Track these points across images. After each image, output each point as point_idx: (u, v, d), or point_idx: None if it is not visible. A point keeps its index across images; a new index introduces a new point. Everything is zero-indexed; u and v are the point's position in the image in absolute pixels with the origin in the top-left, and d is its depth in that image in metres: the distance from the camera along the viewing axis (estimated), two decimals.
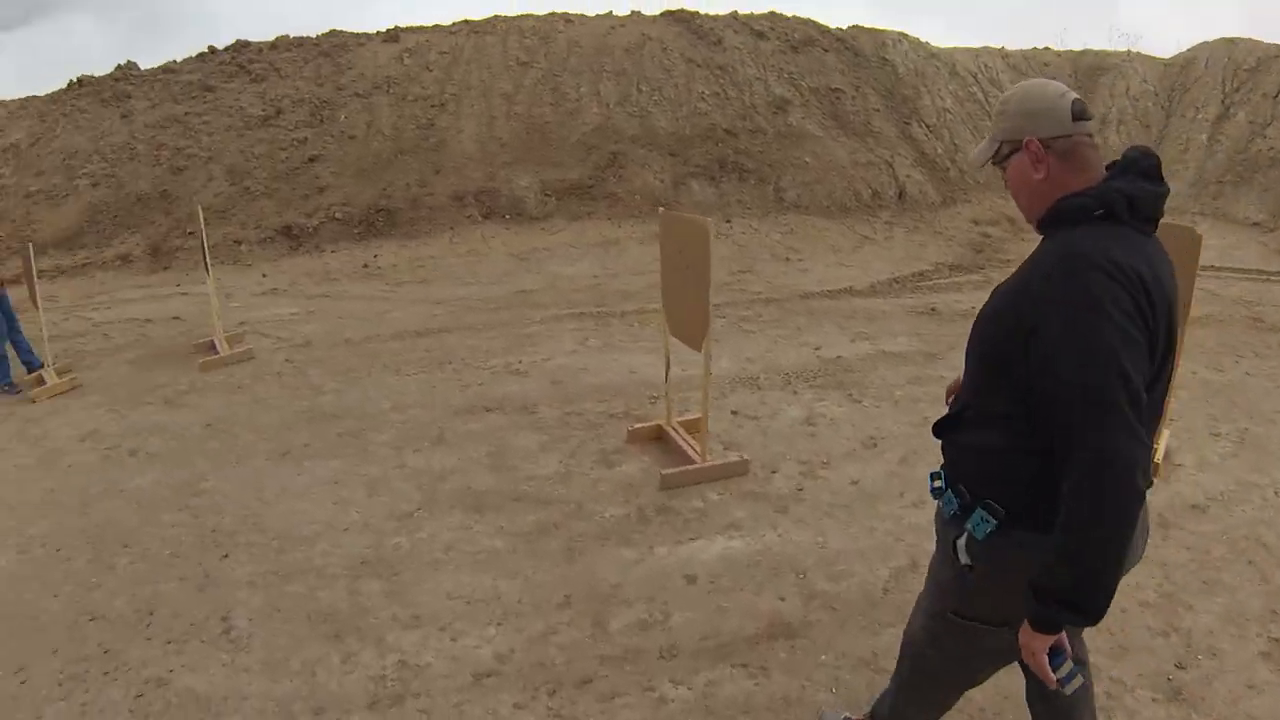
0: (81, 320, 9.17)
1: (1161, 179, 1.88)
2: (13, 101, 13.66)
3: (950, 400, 2.19)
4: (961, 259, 11.48)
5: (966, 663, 2.24)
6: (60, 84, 13.61)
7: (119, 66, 13.32)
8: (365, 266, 9.89)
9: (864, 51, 15.41)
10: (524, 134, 11.98)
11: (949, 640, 2.18)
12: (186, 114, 12.50)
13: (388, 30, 13.35)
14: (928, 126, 14.62)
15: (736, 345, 7.02)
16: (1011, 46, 17.84)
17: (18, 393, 7.15)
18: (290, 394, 6.36)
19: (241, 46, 13.14)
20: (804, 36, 14.96)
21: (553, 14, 13.98)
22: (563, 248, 10.23)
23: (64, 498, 4.74)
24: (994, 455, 1.92)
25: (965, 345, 2.02)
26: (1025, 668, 2.06)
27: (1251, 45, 16.30)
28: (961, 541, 1.97)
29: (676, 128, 12.69)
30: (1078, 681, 1.80)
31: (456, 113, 12.11)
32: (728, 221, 11.55)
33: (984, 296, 2.01)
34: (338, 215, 10.74)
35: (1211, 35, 16.83)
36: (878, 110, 14.38)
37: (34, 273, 7.21)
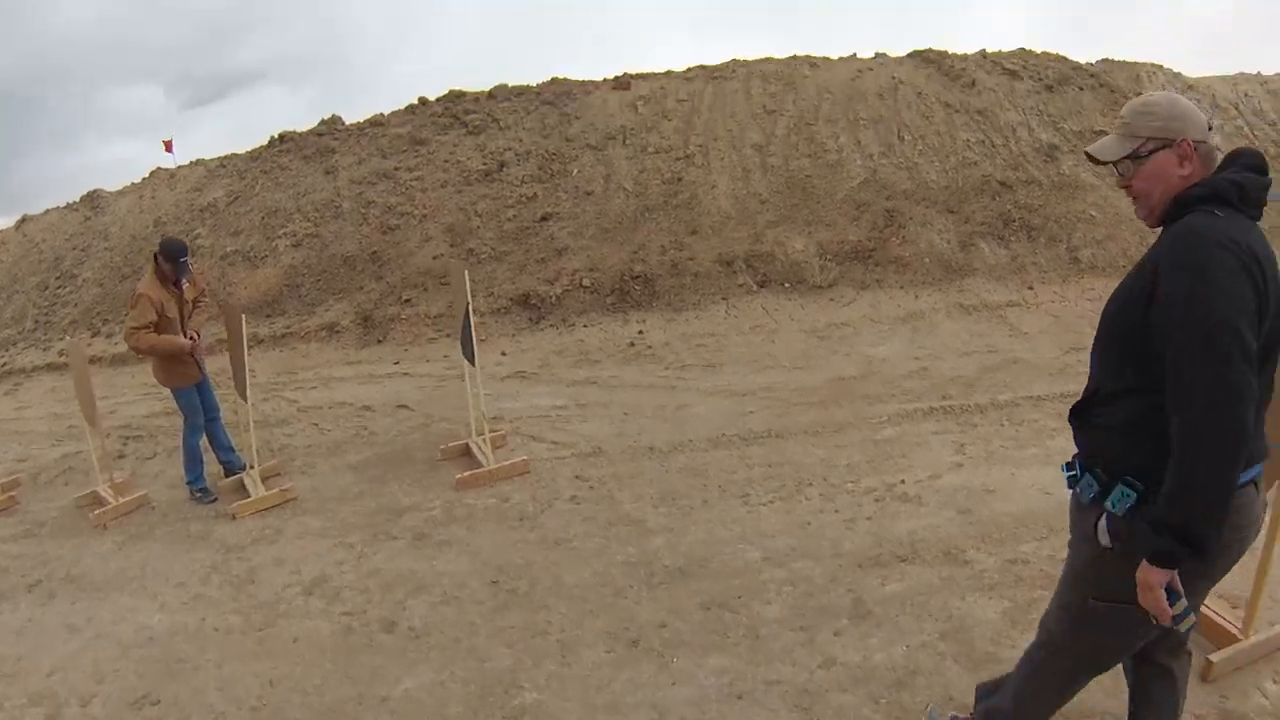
0: (284, 403, 7.84)
1: (1266, 171, 2.11)
2: (212, 160, 12.80)
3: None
4: None
5: (1100, 646, 2.30)
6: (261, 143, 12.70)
7: (323, 121, 12.32)
8: (631, 345, 8.33)
9: (1120, 87, 13.53)
10: (784, 189, 10.41)
11: (1086, 626, 2.26)
12: (396, 169, 11.34)
13: (617, 78, 12.02)
14: None
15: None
16: (1268, 72, 15.74)
17: (213, 500, 5.71)
18: (602, 532, 4.81)
19: (456, 97, 11.97)
20: (1058, 75, 13.16)
21: (795, 57, 12.49)
22: (863, 322, 8.53)
23: (292, 701, 3.31)
24: (1126, 430, 2.05)
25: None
26: (1135, 628, 2.13)
27: None
28: (1102, 522, 2.08)
29: (949, 180, 10.96)
30: (1190, 620, 1.96)
31: (705, 166, 10.63)
32: (1030, 288, 9.71)
33: None
34: (585, 282, 9.28)
35: None
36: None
37: (245, 346, 5.69)
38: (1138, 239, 11.07)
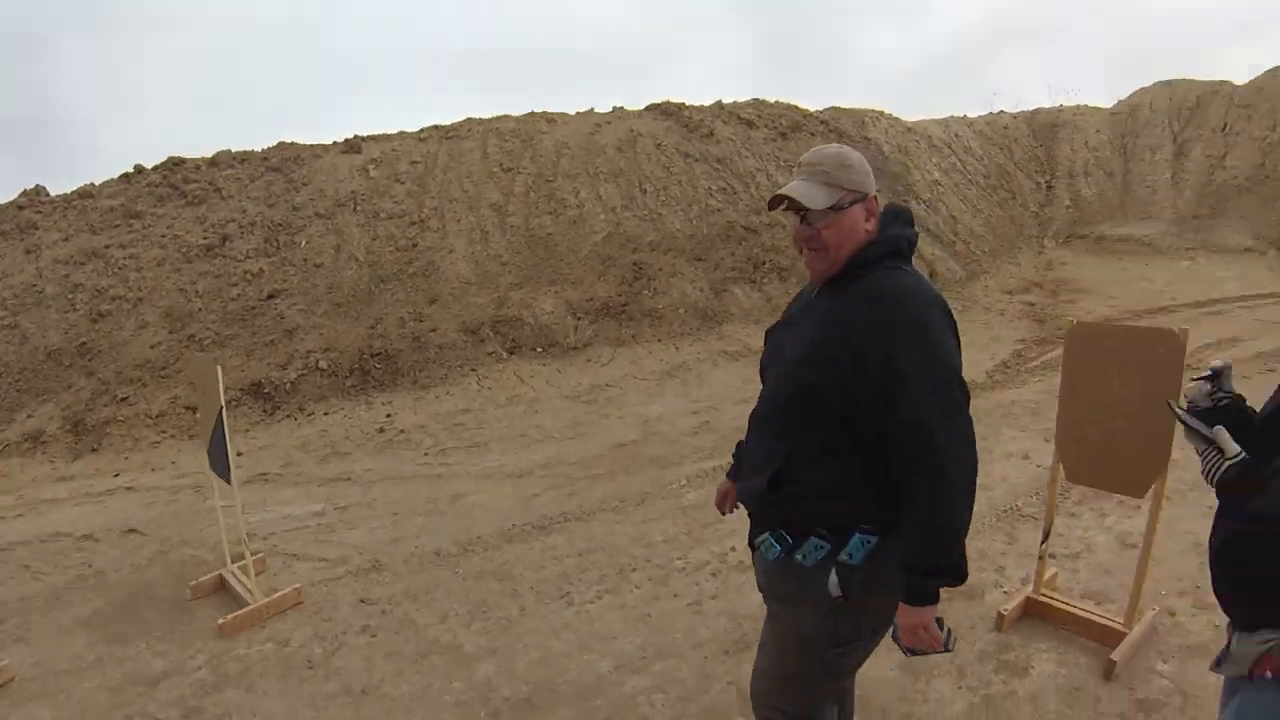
0: None
1: (914, 224, 2.28)
2: None
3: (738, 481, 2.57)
4: (1031, 332, 10.36)
5: (839, 686, 2.45)
6: None
7: (24, 192, 10.97)
8: (381, 431, 7.74)
9: (847, 132, 14.49)
10: (526, 249, 10.23)
11: (825, 678, 2.33)
12: (108, 246, 10.24)
13: (347, 140, 11.46)
14: (924, 201, 13.67)
15: None
16: (973, 114, 17.36)
17: None
18: (413, 668, 4.06)
19: (174, 164, 10.98)
20: (790, 122, 13.90)
21: (532, 114, 12.40)
22: (627, 381, 8.38)
23: None
24: (840, 489, 2.11)
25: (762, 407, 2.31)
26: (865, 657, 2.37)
27: (1188, 85, 16.80)
28: (832, 578, 2.14)
29: (694, 229, 11.18)
30: (953, 638, 2.12)
31: (441, 230, 10.27)
32: None
33: None
34: (321, 364, 8.66)
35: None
36: (878, 191, 13.30)
37: None
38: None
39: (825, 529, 2.14)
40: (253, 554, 5.07)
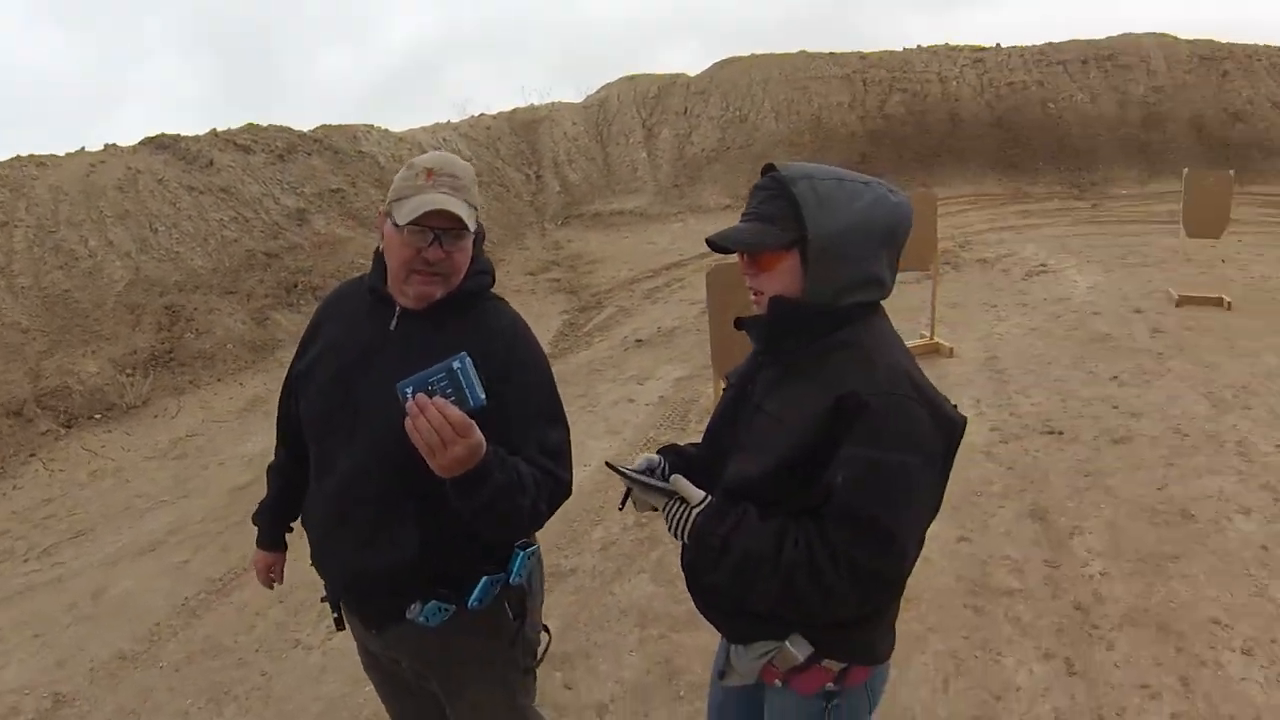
0: None
1: None
2: None
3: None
4: (570, 303, 12.46)
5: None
6: None
7: None
8: None
9: (342, 148, 15.47)
10: (45, 311, 9.88)
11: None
12: None
13: None
14: None
15: None
16: (455, 119, 19.30)
17: None
18: None
19: None
20: (286, 144, 14.53)
21: (19, 157, 11.55)
22: (207, 427, 8.63)
23: None
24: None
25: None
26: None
27: (648, 78, 20.89)
28: (506, 606, 2.16)
29: (216, 262, 11.56)
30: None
31: None
32: None
33: None
34: None
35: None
36: (383, 199, 14.62)
37: None
38: None
39: (485, 560, 2.09)
40: None
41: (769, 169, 1.86)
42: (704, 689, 2.57)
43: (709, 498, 1.71)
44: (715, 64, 20.96)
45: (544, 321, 11.69)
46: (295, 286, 11.75)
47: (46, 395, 8.91)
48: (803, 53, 20.99)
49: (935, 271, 8.17)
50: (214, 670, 4.49)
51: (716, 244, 1.86)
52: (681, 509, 1.69)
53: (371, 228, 13.71)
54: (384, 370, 1.91)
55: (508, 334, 2.08)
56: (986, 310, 9.86)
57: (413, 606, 2.02)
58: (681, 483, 1.72)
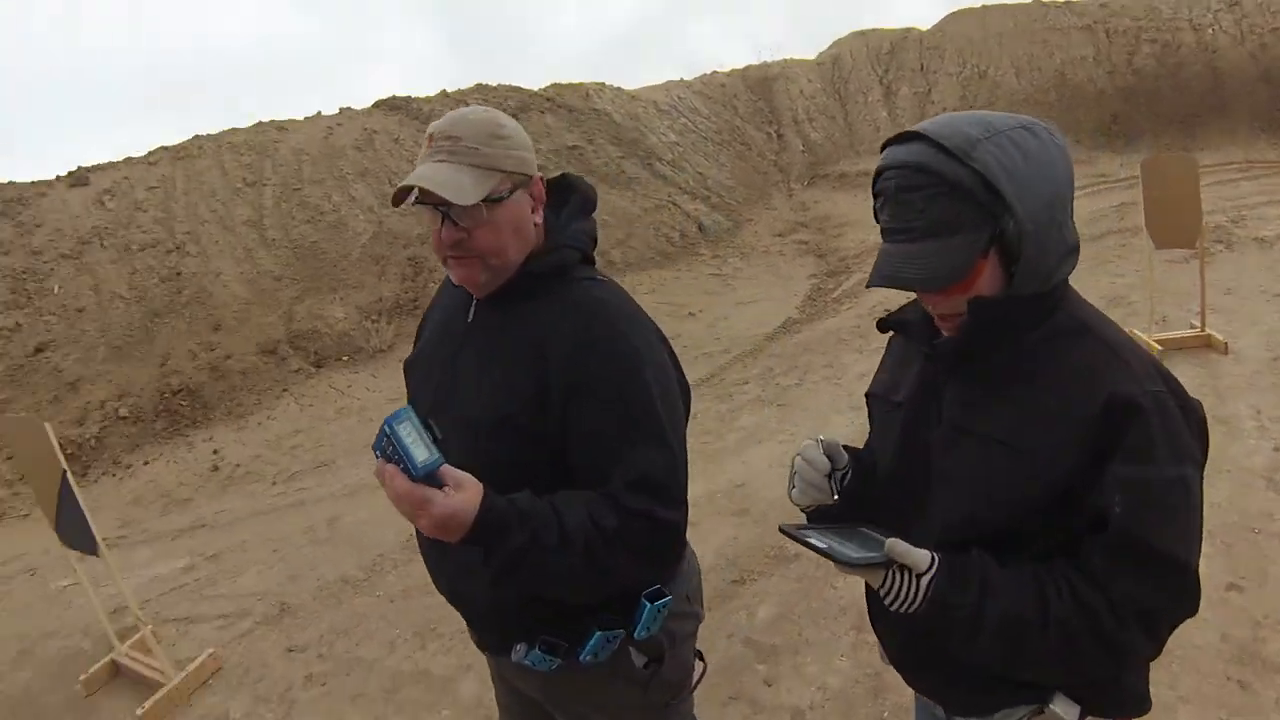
0: None
1: (595, 208, 1.85)
2: None
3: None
4: (818, 267, 12.00)
5: None
6: None
7: None
8: (215, 470, 7.64)
9: (575, 106, 15.45)
10: (296, 261, 10.32)
11: None
12: None
13: (71, 173, 10.76)
14: (668, 162, 15.04)
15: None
16: (688, 76, 18.96)
17: None
18: (392, 708, 3.73)
19: None
20: (518, 103, 14.65)
21: (260, 123, 12.21)
22: None
23: None
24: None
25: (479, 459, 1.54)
26: None
27: (879, 33, 19.93)
28: (633, 653, 1.74)
29: None
30: None
31: (202, 254, 10.09)
32: None
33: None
34: (122, 413, 8.42)
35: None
36: (622, 157, 14.49)
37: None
38: (653, 231, 12.85)
39: (605, 611, 1.68)
40: (136, 631, 4.35)
41: (897, 142, 1.45)
42: (909, 715, 2.05)
43: (936, 559, 1.31)
44: (947, 16, 19.51)
45: (791, 284, 11.20)
46: None
47: (298, 337, 9.26)
48: (1038, 1, 19.01)
49: (1201, 251, 6.65)
50: (426, 608, 4.46)
51: (893, 284, 1.38)
52: (906, 581, 1.31)
53: (610, 185, 13.58)
54: (466, 373, 1.69)
55: (580, 327, 1.58)
56: (1269, 300, 7.66)
57: (518, 648, 1.71)
58: (900, 548, 1.30)
